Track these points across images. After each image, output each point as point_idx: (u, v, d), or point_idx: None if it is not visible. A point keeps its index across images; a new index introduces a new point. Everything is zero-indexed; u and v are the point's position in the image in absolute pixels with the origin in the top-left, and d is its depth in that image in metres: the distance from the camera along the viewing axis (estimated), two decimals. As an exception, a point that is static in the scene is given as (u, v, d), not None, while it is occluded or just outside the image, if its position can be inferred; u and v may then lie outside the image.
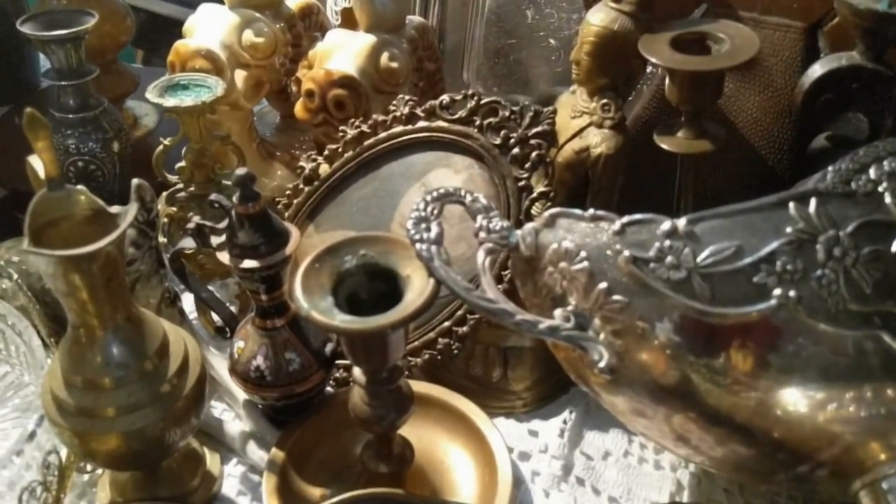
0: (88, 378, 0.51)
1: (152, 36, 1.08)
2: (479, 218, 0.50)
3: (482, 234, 0.49)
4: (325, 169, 0.74)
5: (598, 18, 0.64)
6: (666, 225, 0.44)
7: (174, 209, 0.75)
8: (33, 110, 0.47)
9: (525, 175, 0.65)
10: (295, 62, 0.91)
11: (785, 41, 0.71)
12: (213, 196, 0.58)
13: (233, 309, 0.75)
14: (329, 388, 0.68)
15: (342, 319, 0.45)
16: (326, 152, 0.73)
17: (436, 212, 0.49)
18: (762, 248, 0.42)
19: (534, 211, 0.65)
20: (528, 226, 0.49)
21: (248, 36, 0.80)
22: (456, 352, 0.65)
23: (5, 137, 1.09)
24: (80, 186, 0.49)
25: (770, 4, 0.70)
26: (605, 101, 0.66)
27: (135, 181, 0.65)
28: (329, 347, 0.63)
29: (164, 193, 0.76)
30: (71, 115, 0.78)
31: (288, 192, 0.75)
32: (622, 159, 0.65)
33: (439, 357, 0.65)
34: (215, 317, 0.72)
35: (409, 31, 0.84)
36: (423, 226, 0.48)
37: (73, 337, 0.51)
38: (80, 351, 0.50)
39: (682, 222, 0.43)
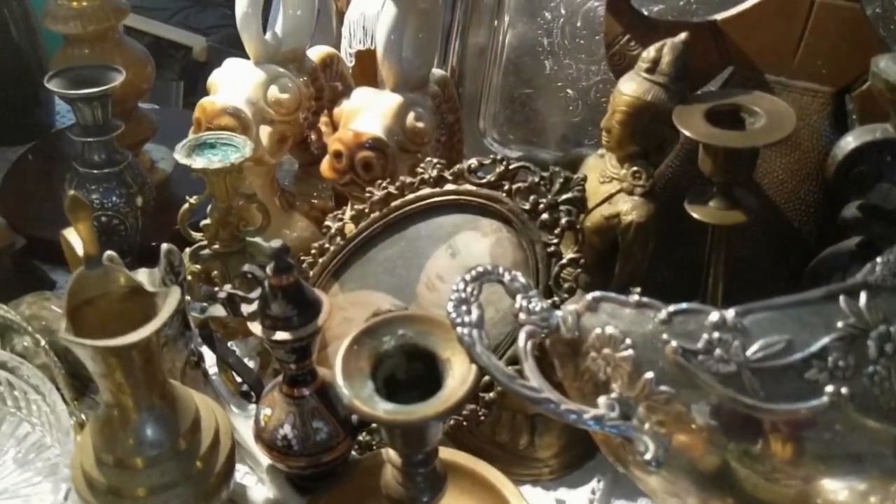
0: (120, 457, 0.50)
1: (156, 59, 1.10)
2: (519, 298, 0.49)
3: (522, 316, 0.48)
4: (350, 228, 0.74)
5: (631, 88, 0.64)
6: (714, 316, 0.43)
7: (198, 266, 0.75)
8: (76, 194, 0.47)
9: (554, 241, 0.65)
10: (317, 114, 0.92)
11: (813, 105, 0.71)
12: (246, 267, 0.57)
13: (252, 364, 0.75)
14: (353, 453, 0.67)
15: (385, 409, 0.45)
16: (353, 212, 0.73)
17: (476, 293, 0.49)
18: (813, 343, 0.42)
19: (563, 276, 0.65)
20: (570, 308, 0.48)
21: (274, 92, 0.80)
22: (482, 418, 0.64)
23: (19, 180, 1.09)
24: (117, 264, 0.49)
25: (798, 69, 0.70)
26: (635, 168, 0.66)
27: (164, 246, 0.65)
28: (356, 416, 0.63)
29: (188, 250, 0.76)
30: (95, 171, 0.78)
31: (313, 250, 0.74)
32: (653, 227, 0.65)
33: (465, 423, 0.64)
34: (237, 376, 0.71)
35: (433, 86, 0.84)
36: (464, 308, 0.47)
37: (107, 415, 0.50)
38: (113, 430, 0.50)
39: (730, 314, 0.43)
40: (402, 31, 0.73)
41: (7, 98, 1.16)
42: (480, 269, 0.50)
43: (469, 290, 0.49)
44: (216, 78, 0.81)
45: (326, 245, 0.74)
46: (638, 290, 0.64)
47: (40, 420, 0.68)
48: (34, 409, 0.69)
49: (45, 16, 0.92)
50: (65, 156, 1.16)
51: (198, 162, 0.69)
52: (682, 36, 0.63)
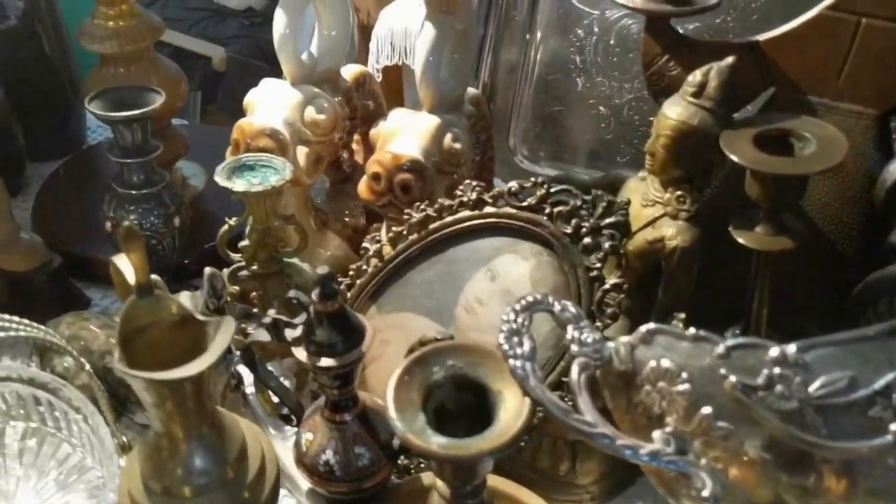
0: (168, 486, 0.50)
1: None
2: (570, 329, 0.49)
3: (574, 347, 0.48)
4: (387, 250, 0.73)
5: (676, 112, 0.64)
6: (775, 352, 0.42)
7: (237, 288, 0.75)
8: (131, 225, 0.46)
9: (597, 265, 0.64)
10: (351, 134, 0.92)
11: (857, 127, 0.70)
12: (291, 293, 0.57)
13: (287, 383, 0.74)
14: (392, 477, 0.66)
15: (440, 444, 0.44)
16: (390, 234, 0.72)
17: (526, 323, 0.48)
18: (877, 379, 0.41)
19: (606, 301, 0.64)
20: (623, 340, 0.48)
21: (311, 113, 0.80)
22: (523, 444, 0.64)
23: (53, 196, 1.10)
24: (167, 293, 0.49)
25: (842, 91, 0.69)
26: (680, 192, 0.65)
27: (207, 270, 0.64)
28: (397, 441, 0.62)
29: (226, 271, 0.76)
30: (134, 192, 0.78)
31: (351, 272, 0.74)
32: (698, 252, 0.65)
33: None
34: (272, 395, 0.71)
35: (467, 106, 0.83)
36: (516, 339, 0.47)
37: (155, 443, 0.50)
38: (161, 458, 0.50)
39: (791, 350, 0.42)
40: (441, 52, 0.73)
41: (40, 113, 1.17)
42: (530, 298, 0.50)
43: (520, 320, 0.48)
44: (253, 98, 0.82)
45: (364, 266, 0.74)
46: (682, 316, 0.64)
47: (81, 441, 0.69)
48: (75, 429, 0.69)
49: (81, 35, 0.93)
50: (97, 172, 1.17)
51: (238, 185, 0.69)
52: (729, 60, 0.63)
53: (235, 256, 0.76)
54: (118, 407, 0.76)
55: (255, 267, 0.75)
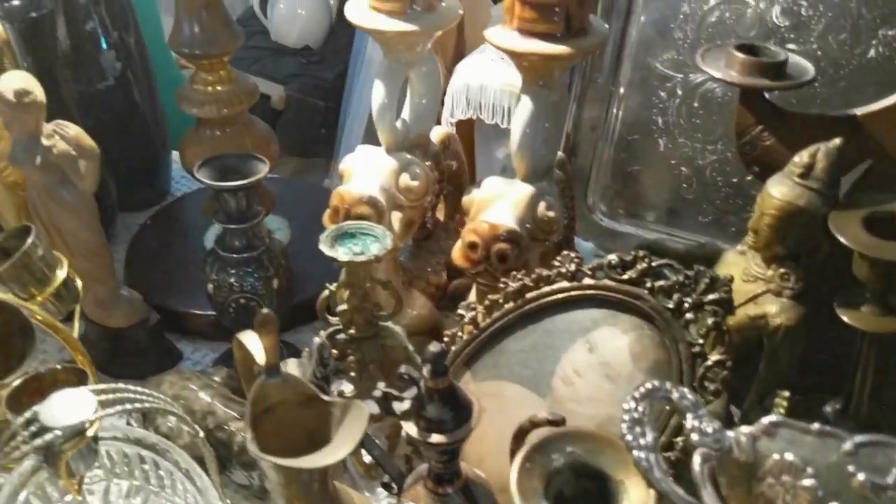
0: (289, 560, 0.51)
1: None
2: (690, 418, 0.49)
3: (695, 437, 0.48)
4: (481, 317, 0.74)
5: (781, 192, 0.64)
6: (907, 453, 0.42)
7: (335, 351, 0.76)
8: (269, 312, 0.48)
9: (700, 341, 0.64)
10: (438, 196, 0.94)
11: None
12: (402, 368, 0.58)
13: (379, 442, 0.76)
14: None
15: (569, 535, 0.45)
16: (486, 302, 0.74)
17: (647, 412, 0.49)
18: None
19: (708, 377, 0.64)
20: (744, 430, 0.48)
21: (405, 180, 0.82)
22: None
23: (142, 250, 1.13)
24: (294, 374, 0.51)
25: (944, 166, 0.69)
26: (784, 270, 0.65)
27: (316, 340, 0.67)
28: (500, 514, 0.63)
29: (323, 334, 0.78)
30: (235, 255, 0.80)
31: (446, 338, 0.75)
32: (803, 331, 0.64)
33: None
34: (365, 455, 0.72)
35: (557, 172, 0.85)
36: (638, 430, 0.48)
37: (279, 519, 0.51)
38: (285, 535, 0.51)
39: (925, 452, 0.42)
40: (537, 123, 0.75)
41: (130, 166, 1.21)
42: (649, 386, 0.50)
43: (640, 409, 0.49)
44: (350, 165, 0.84)
45: (458, 333, 0.75)
46: (786, 394, 0.63)
47: (186, 502, 0.70)
48: (179, 488, 0.71)
49: (180, 99, 0.97)
50: (184, 226, 1.21)
51: (342, 254, 0.71)
52: (837, 142, 0.63)
53: (333, 320, 0.78)
54: (222, 469, 0.78)
55: (352, 331, 0.77)
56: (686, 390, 0.51)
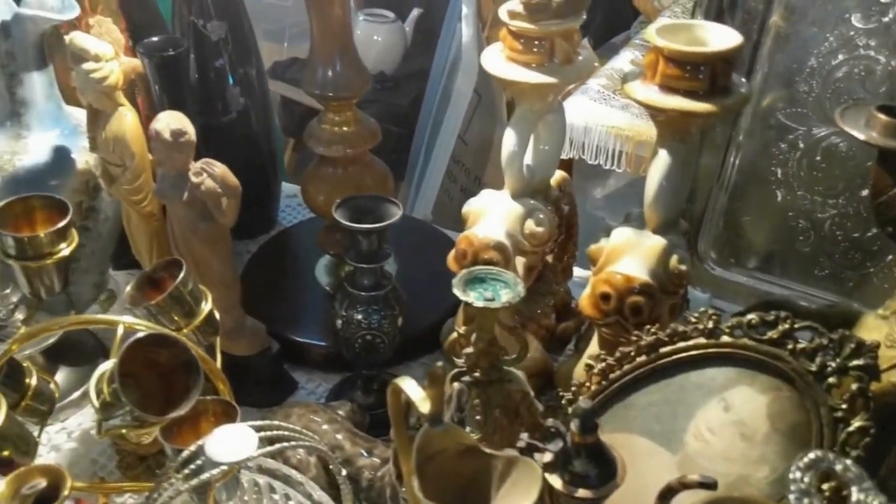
0: None
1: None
2: (855, 490, 0.48)
3: (864, 512, 0.47)
4: (612, 369, 0.75)
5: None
6: None
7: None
8: (440, 366, 0.50)
9: (843, 406, 0.64)
10: (557, 240, 0.94)
11: None
12: (549, 422, 0.59)
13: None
14: None
15: None
16: (618, 355, 0.74)
17: (812, 482, 0.48)
18: None
19: (850, 443, 0.63)
20: (915, 508, 0.47)
21: (530, 225, 0.83)
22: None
23: (255, 280, 1.16)
24: (455, 424, 0.52)
25: None
26: (933, 339, 0.64)
27: (456, 386, 0.68)
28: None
29: (465, 380, 0.79)
30: (363, 293, 0.83)
31: (573, 388, 0.76)
32: (954, 402, 0.63)
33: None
34: None
35: (683, 223, 0.85)
36: (807, 501, 0.47)
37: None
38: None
39: None
40: (673, 177, 0.75)
41: (246, 193, 1.25)
42: (813, 456, 0.50)
43: (807, 480, 0.48)
44: (474, 209, 0.86)
45: (587, 384, 0.75)
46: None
47: (315, 534, 0.72)
48: (309, 521, 0.73)
49: (309, 138, 1.00)
50: (294, 256, 1.24)
51: (478, 301, 0.72)
52: None
53: (458, 362, 0.79)
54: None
55: (477, 374, 0.78)
56: (850, 462, 0.50)
